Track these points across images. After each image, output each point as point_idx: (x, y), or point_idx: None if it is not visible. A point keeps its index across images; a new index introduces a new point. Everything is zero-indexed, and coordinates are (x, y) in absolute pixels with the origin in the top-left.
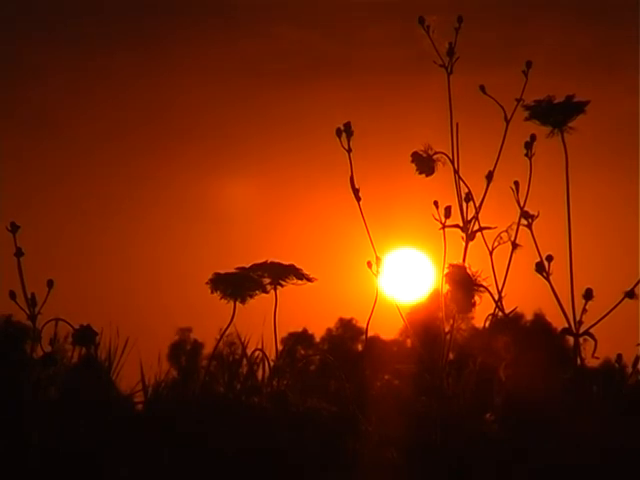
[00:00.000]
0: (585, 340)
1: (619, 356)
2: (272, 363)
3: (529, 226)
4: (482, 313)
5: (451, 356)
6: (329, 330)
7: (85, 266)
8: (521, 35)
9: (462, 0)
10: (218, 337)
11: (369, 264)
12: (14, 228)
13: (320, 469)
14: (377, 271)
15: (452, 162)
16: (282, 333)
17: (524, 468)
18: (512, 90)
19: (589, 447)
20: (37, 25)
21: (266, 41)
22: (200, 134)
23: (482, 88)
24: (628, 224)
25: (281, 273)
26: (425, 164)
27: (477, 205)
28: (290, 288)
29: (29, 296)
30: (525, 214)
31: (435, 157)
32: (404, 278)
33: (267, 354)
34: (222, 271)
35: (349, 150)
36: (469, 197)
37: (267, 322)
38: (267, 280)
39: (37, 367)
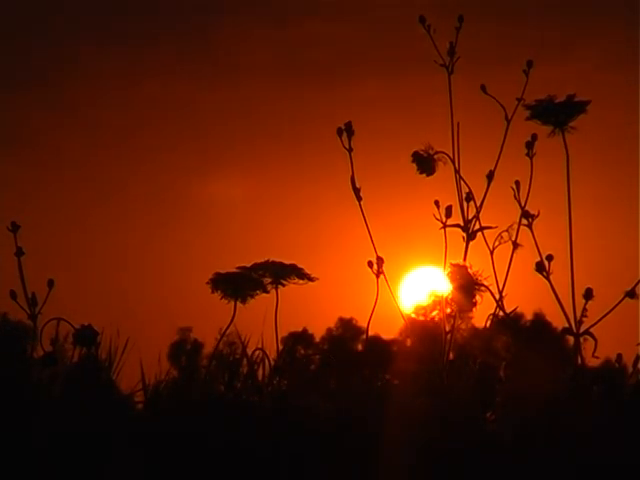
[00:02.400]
0: (585, 340)
1: (619, 356)
2: (272, 363)
3: (529, 226)
4: (482, 313)
5: (451, 356)
6: (329, 330)
7: (85, 266)
8: (522, 35)
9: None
10: (218, 337)
11: (370, 264)
12: (15, 228)
13: (320, 469)
14: (377, 271)
15: (453, 162)
16: (282, 333)
17: (524, 467)
18: (513, 89)
19: (589, 447)
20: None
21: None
22: (200, 133)
23: (483, 88)
24: (628, 224)
25: (282, 272)
26: (426, 164)
27: (478, 205)
28: (290, 287)
29: (30, 296)
30: (526, 214)
31: (436, 157)
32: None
33: (267, 353)
34: (223, 271)
35: (350, 149)
36: (470, 197)
37: (267, 321)
38: (268, 280)
39: (37, 367)
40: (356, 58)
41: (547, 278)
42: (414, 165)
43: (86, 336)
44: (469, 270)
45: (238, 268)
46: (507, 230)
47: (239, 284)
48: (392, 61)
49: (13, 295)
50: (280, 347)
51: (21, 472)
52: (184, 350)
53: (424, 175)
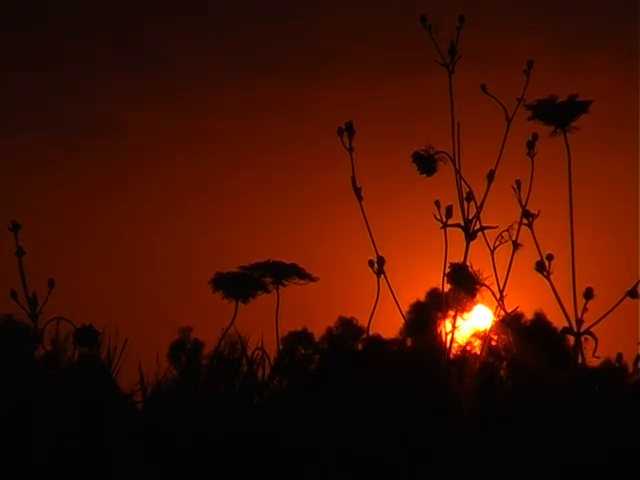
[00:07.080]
0: (586, 339)
1: (619, 355)
2: (273, 362)
3: (530, 225)
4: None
5: (451, 356)
6: (329, 329)
7: (85, 266)
8: (522, 34)
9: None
10: (219, 336)
11: (370, 263)
12: (15, 227)
13: (321, 469)
14: (378, 270)
15: (453, 161)
16: (282, 332)
17: (525, 468)
18: (514, 89)
19: (590, 447)
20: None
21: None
22: (200, 132)
23: (483, 87)
24: (628, 224)
25: (283, 272)
26: (426, 164)
27: (478, 204)
28: (290, 287)
29: (30, 295)
30: (526, 213)
31: (436, 157)
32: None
33: (268, 353)
34: (224, 271)
35: (351, 149)
36: (470, 196)
37: (268, 321)
38: (269, 279)
39: (38, 366)
40: (355, 56)
41: (547, 278)
42: (414, 165)
43: (87, 336)
44: (469, 270)
45: (239, 268)
46: (507, 230)
47: (240, 284)
48: (392, 60)
49: (14, 295)
50: (280, 347)
51: (22, 472)
52: (184, 350)
53: (424, 175)
